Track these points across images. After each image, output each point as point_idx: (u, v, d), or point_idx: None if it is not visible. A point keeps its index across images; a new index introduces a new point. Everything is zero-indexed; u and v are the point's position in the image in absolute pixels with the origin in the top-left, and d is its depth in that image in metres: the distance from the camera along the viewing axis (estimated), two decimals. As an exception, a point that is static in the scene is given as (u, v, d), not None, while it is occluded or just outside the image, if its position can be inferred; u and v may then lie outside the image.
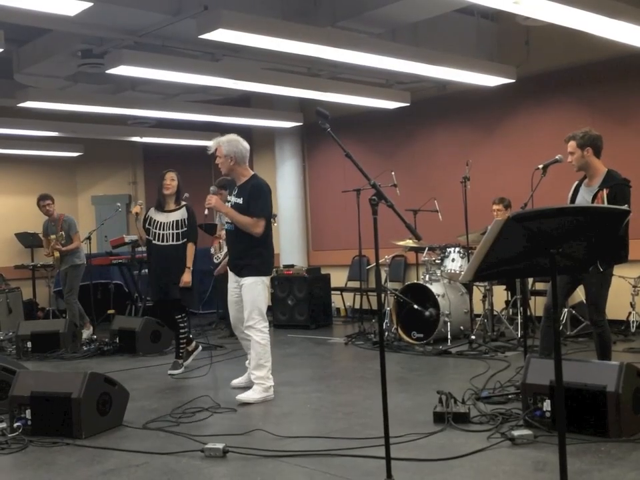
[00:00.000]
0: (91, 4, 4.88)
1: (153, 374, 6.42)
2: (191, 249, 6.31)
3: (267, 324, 5.25)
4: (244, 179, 5.27)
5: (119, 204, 9.05)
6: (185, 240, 6.31)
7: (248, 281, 5.19)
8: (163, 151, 11.35)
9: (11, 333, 8.64)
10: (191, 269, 6.29)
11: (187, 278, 6.23)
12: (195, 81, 7.18)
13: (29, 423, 4.40)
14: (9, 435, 4.31)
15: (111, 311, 8.97)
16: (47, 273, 10.73)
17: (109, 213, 9.33)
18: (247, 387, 5.33)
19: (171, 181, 6.34)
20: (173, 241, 6.30)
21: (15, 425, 4.38)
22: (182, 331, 6.47)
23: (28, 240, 11.20)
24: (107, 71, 6.58)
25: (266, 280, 5.27)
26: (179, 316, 6.42)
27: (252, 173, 5.32)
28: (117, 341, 7.64)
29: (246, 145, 5.27)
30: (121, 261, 9.26)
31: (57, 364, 7.14)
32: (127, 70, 6.50)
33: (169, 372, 6.32)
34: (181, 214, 6.35)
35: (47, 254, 8.74)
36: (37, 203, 8.61)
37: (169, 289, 6.30)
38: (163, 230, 6.31)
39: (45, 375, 4.81)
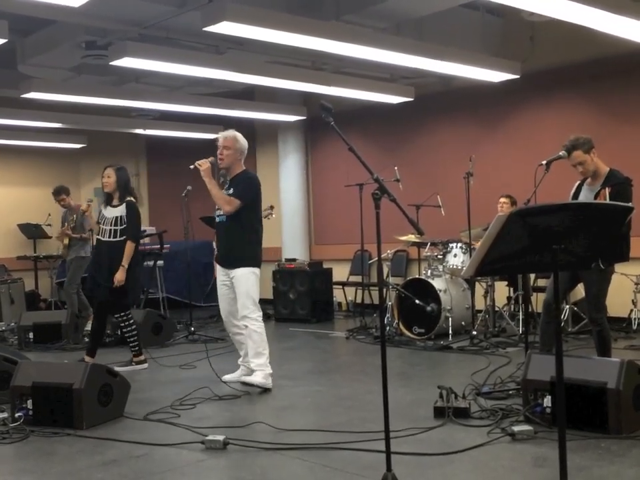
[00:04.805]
0: (95, -5, 4.87)
1: (153, 366, 6.43)
2: (129, 247, 6.01)
3: (260, 313, 5.32)
4: (237, 172, 5.41)
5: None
6: (124, 237, 6.05)
7: (240, 272, 5.24)
8: (166, 144, 11.29)
9: (13, 324, 8.66)
10: (126, 267, 5.98)
11: (119, 276, 5.94)
12: (198, 74, 7.18)
13: (30, 413, 4.42)
14: (11, 425, 4.33)
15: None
16: (49, 264, 10.75)
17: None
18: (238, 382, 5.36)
19: (107, 178, 6.13)
20: (110, 237, 6.08)
21: (17, 415, 4.39)
22: (125, 330, 6.25)
23: (30, 231, 11.22)
24: (111, 63, 6.58)
25: (257, 271, 5.32)
26: (118, 315, 6.24)
27: (244, 168, 5.47)
28: (119, 332, 7.63)
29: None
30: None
31: (59, 355, 7.16)
32: (131, 62, 6.49)
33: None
34: (120, 210, 6.10)
35: (57, 237, 8.90)
36: (53, 197, 8.76)
37: (99, 288, 6.10)
38: (106, 225, 6.13)
39: (46, 366, 4.84)
